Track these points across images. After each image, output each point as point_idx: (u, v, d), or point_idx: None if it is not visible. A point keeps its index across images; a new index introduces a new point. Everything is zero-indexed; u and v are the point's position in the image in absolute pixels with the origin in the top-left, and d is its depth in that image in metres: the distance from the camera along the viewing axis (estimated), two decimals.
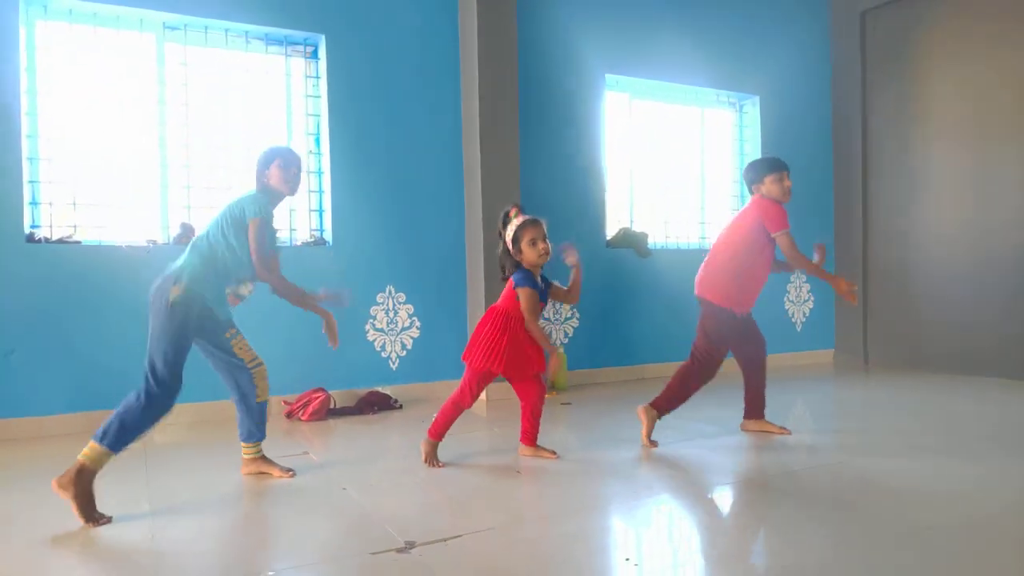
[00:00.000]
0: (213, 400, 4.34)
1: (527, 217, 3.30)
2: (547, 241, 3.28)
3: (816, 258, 3.71)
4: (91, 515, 2.58)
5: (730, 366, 3.82)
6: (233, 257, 2.93)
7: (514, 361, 3.27)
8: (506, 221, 3.34)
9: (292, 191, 3.13)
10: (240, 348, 3.04)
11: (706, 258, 3.79)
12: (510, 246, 3.30)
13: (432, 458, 3.35)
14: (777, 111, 6.79)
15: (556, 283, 3.40)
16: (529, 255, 3.25)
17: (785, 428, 3.81)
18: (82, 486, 2.60)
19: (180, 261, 2.91)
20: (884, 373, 6.16)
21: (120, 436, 2.67)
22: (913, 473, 3.06)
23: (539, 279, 3.31)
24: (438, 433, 3.38)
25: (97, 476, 2.65)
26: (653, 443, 3.61)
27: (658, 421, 3.68)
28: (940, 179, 6.20)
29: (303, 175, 3.17)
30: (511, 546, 2.31)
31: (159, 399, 2.73)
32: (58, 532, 2.50)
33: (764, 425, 3.86)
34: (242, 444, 3.18)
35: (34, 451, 3.75)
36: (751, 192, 3.75)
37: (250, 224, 2.91)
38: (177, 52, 4.64)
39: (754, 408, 3.90)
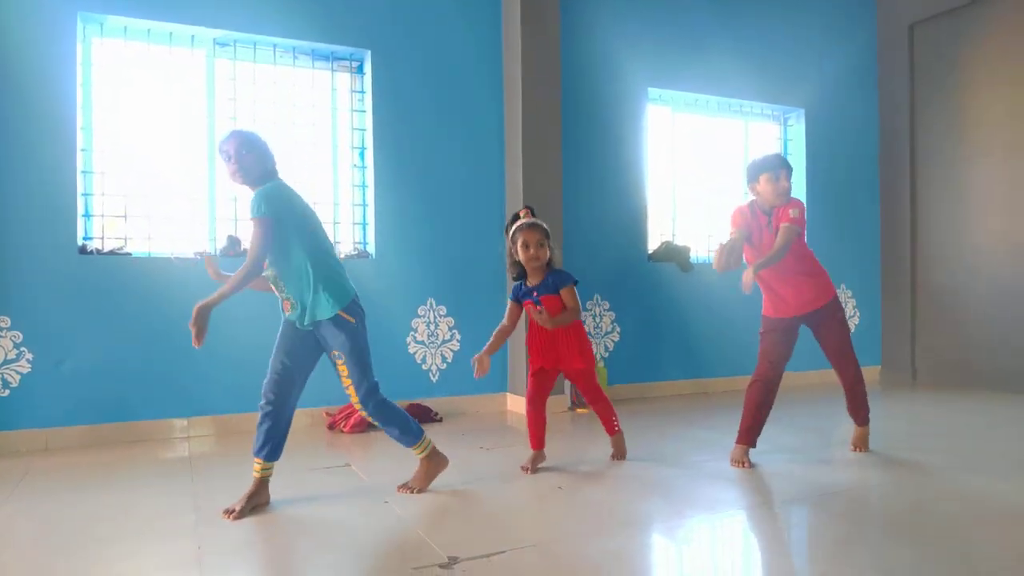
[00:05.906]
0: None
1: (530, 220, 3.39)
2: (540, 248, 3.34)
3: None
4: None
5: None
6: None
7: (544, 351, 3.48)
8: (514, 220, 3.44)
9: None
10: None
11: None
12: (510, 244, 3.42)
13: (531, 461, 3.48)
14: (823, 125, 6.69)
15: (541, 307, 3.35)
16: (520, 255, 3.37)
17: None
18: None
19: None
20: (933, 391, 6.00)
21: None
22: (968, 494, 2.97)
23: (537, 282, 3.40)
24: (534, 442, 3.53)
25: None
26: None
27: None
28: (991, 195, 6.05)
29: (230, 164, 2.98)
30: (554, 563, 2.29)
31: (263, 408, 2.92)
32: (103, 540, 2.54)
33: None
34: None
35: (81, 460, 3.83)
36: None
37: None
38: (226, 67, 4.74)
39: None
